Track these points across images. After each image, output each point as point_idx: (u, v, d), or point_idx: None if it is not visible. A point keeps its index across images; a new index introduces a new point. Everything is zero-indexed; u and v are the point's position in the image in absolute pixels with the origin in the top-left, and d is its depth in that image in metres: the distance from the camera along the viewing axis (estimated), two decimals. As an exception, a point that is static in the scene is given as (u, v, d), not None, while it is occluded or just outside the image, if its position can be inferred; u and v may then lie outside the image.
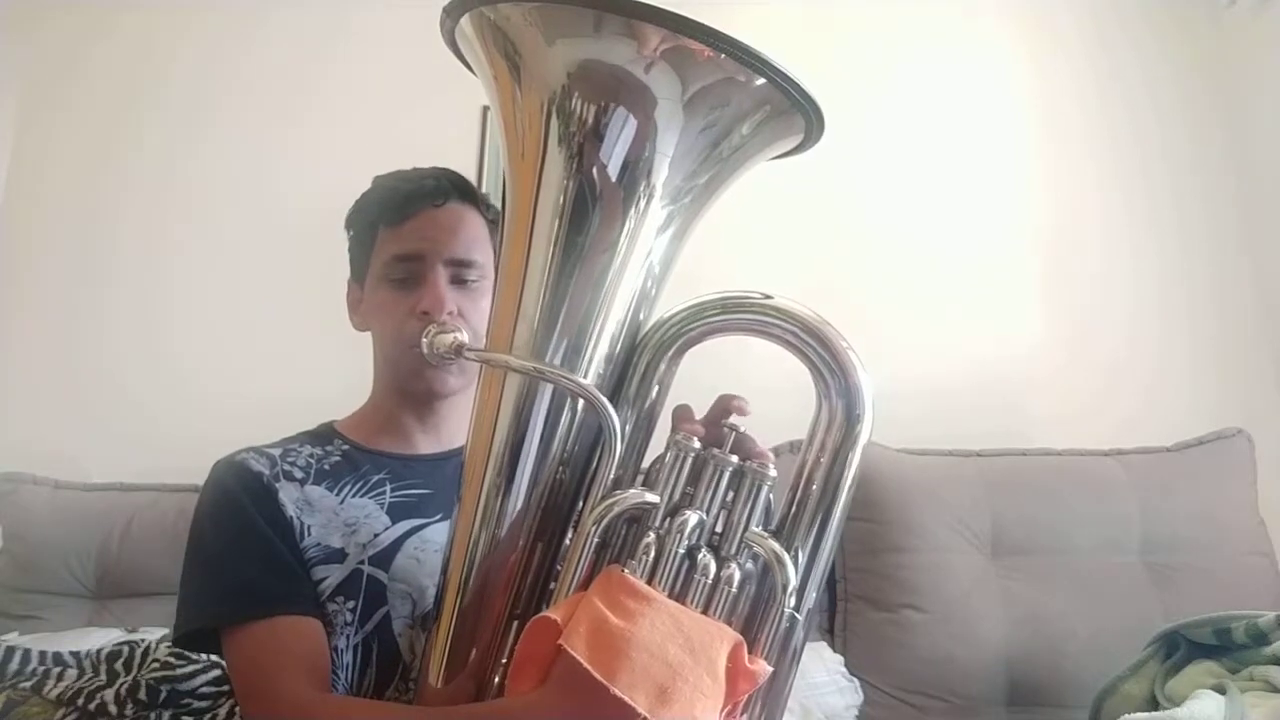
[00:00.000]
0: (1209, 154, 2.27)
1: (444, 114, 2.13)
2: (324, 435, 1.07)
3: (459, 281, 1.01)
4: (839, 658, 1.68)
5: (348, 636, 0.90)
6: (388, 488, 1.00)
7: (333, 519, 0.96)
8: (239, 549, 0.92)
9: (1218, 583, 1.68)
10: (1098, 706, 1.34)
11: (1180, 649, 1.34)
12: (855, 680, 1.65)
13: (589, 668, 0.63)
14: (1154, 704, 1.27)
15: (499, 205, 1.08)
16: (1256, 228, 2.20)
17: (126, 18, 2.28)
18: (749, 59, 0.69)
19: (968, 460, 1.87)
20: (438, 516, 0.99)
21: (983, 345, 2.13)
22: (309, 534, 0.94)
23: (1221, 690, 1.18)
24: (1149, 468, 1.83)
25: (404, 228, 1.02)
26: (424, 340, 0.78)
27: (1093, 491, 1.80)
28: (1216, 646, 1.30)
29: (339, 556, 0.93)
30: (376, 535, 0.96)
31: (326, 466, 1.01)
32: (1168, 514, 1.77)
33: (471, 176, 2.05)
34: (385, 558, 0.94)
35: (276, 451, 1.01)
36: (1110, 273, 2.21)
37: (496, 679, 0.75)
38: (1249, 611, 1.29)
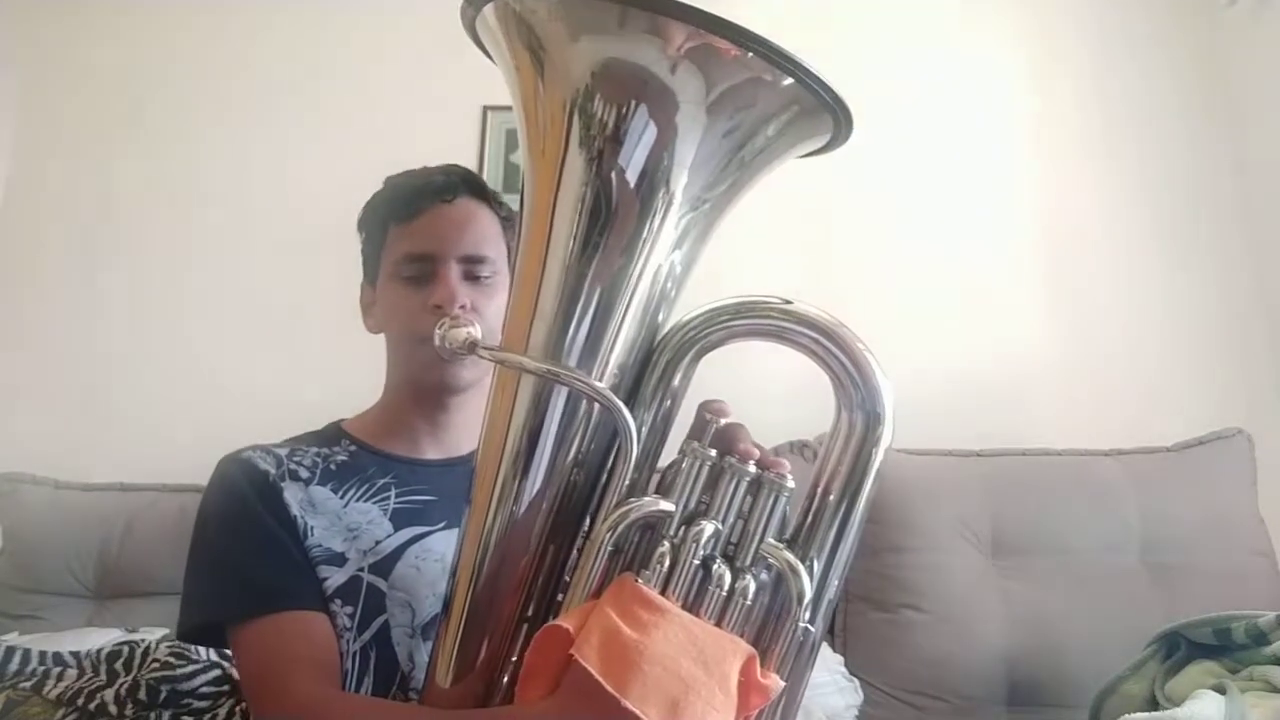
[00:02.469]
0: (1209, 153, 2.26)
1: (449, 112, 2.13)
2: (331, 436, 1.06)
3: (471, 277, 1.00)
4: (839, 658, 1.68)
5: (347, 642, 0.90)
6: (392, 492, 0.99)
7: (335, 522, 0.95)
8: (246, 545, 0.91)
9: (1218, 583, 1.68)
10: (1098, 706, 1.34)
11: (1180, 649, 1.34)
12: (855, 680, 1.65)
13: (600, 679, 0.62)
14: (1154, 704, 1.26)
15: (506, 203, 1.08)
16: (1256, 227, 2.20)
17: (126, 19, 2.29)
18: (778, 58, 0.66)
19: (968, 460, 1.87)
20: (441, 525, 0.98)
21: (983, 345, 2.13)
22: (312, 534, 0.93)
23: (1221, 690, 1.18)
24: (1149, 468, 1.83)
25: (414, 224, 1.02)
26: (437, 333, 0.76)
27: (1093, 491, 1.79)
28: (1216, 646, 1.30)
29: (340, 560, 0.93)
30: (378, 542, 0.95)
31: (333, 466, 1.00)
32: (1168, 514, 1.76)
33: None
34: (386, 566, 0.94)
35: (283, 451, 1.00)
36: (1110, 273, 2.21)
37: (505, 680, 0.74)
38: (1249, 611, 1.28)
